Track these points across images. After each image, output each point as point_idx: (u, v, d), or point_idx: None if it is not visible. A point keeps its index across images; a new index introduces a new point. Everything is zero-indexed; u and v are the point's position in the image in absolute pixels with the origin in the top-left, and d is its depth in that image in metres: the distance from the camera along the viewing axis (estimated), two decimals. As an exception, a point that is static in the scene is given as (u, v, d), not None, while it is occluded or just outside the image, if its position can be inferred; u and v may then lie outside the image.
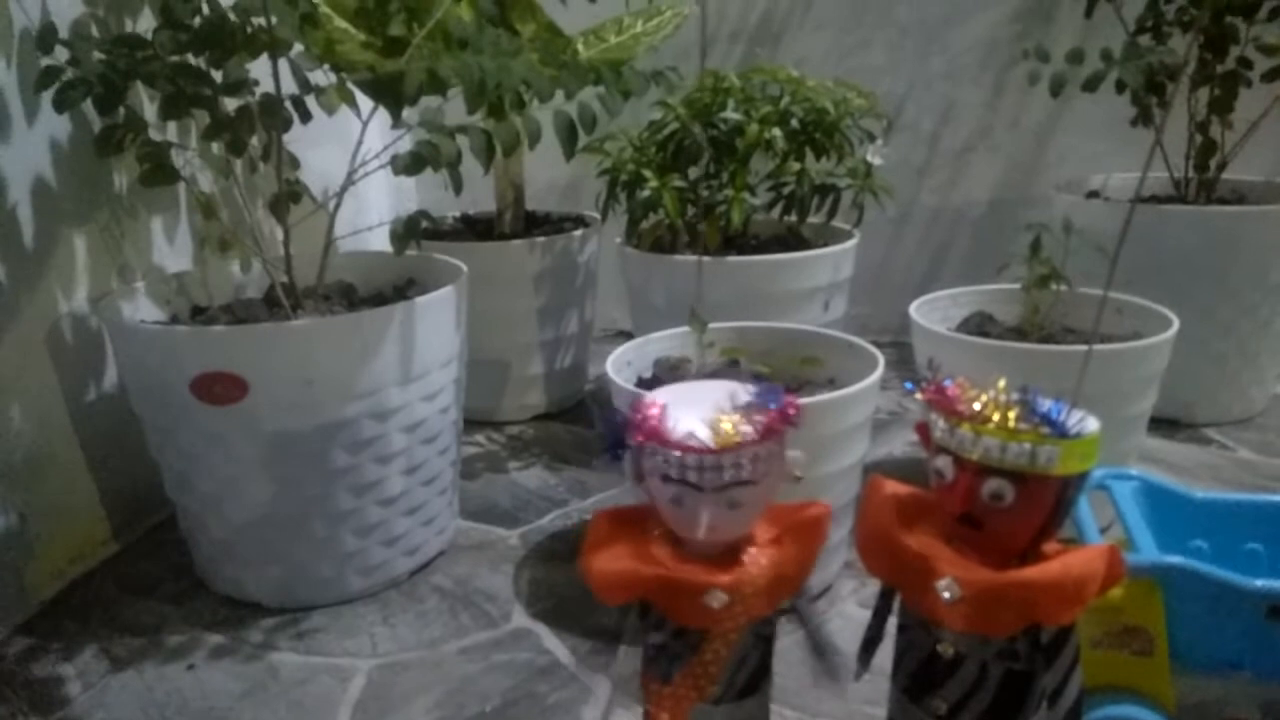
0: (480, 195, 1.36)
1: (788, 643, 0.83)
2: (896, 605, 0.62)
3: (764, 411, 0.55)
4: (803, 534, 0.60)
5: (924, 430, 0.58)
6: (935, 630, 0.56)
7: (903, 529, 0.58)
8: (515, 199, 1.41)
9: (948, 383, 0.57)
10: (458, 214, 1.52)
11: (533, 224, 1.45)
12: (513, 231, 1.39)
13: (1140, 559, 0.64)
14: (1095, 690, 0.64)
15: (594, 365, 1.48)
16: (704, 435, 0.54)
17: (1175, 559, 0.63)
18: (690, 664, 0.59)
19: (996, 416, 0.53)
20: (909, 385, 0.58)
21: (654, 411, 0.56)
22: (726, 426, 0.54)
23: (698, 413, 0.55)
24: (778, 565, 0.58)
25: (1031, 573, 0.53)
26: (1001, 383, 0.54)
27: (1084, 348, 0.95)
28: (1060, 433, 0.51)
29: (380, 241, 1.21)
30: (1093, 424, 0.52)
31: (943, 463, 0.55)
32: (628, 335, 1.68)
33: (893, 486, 0.61)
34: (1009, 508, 0.53)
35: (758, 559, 0.57)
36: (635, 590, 0.59)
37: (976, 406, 0.54)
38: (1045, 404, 0.52)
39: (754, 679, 0.61)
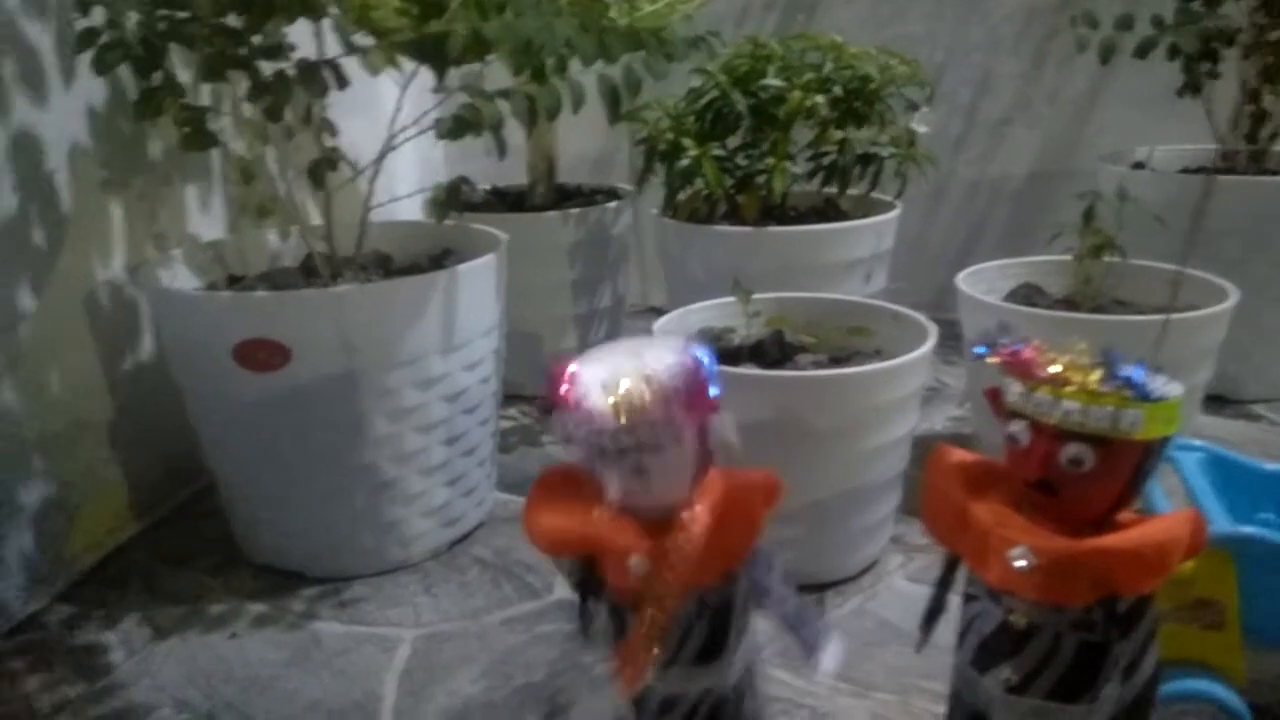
0: (509, 169, 1.34)
1: (837, 615, 0.83)
2: (962, 576, 0.60)
3: (671, 384, 0.54)
4: (743, 501, 0.58)
5: (995, 395, 0.56)
6: (1006, 600, 0.55)
7: (971, 497, 0.57)
8: (547, 171, 1.39)
9: (1018, 346, 0.55)
10: (488, 186, 1.51)
11: (564, 197, 1.43)
12: (545, 204, 1.38)
13: (1212, 530, 0.63)
14: (1164, 663, 0.62)
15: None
16: (601, 399, 0.54)
17: (1250, 529, 0.61)
18: (635, 625, 0.58)
19: (1078, 379, 0.51)
20: (981, 350, 0.56)
21: (566, 374, 0.56)
22: (622, 392, 0.54)
23: (608, 374, 0.54)
24: (712, 534, 0.56)
25: (1111, 540, 0.52)
26: (1081, 345, 0.52)
27: (1138, 318, 0.94)
28: (1144, 396, 0.50)
29: (409, 213, 1.20)
30: (1177, 388, 0.51)
31: (1017, 428, 0.53)
32: (657, 311, 1.66)
33: (959, 454, 0.59)
34: (1088, 473, 0.51)
35: (689, 527, 0.56)
36: (571, 547, 0.60)
37: (1055, 369, 0.52)
38: (1128, 367, 0.51)
39: (709, 647, 0.60)
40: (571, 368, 0.56)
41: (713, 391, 0.56)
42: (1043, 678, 0.55)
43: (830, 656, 0.61)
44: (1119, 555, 0.51)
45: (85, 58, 0.87)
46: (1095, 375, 0.51)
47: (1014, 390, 0.53)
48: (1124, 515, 0.54)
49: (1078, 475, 0.51)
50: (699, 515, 0.56)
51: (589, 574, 0.61)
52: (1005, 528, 0.54)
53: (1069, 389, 0.51)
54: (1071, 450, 0.51)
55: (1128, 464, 0.51)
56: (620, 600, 0.59)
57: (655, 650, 0.58)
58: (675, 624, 0.58)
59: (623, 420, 0.53)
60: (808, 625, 0.61)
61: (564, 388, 0.55)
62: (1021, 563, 0.53)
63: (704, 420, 0.56)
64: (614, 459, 0.54)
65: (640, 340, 0.59)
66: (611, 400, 0.54)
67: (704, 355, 0.56)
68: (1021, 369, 0.53)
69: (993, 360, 0.55)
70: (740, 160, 1.18)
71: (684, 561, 0.56)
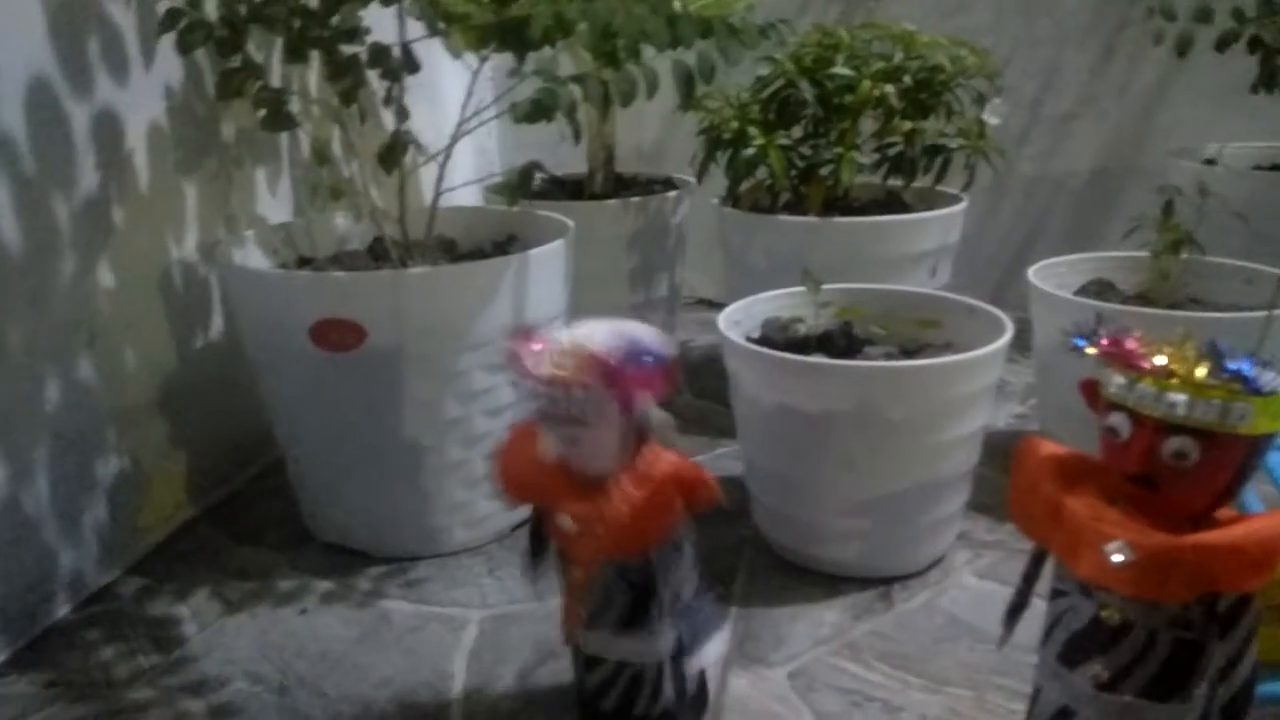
0: (566, 158, 1.34)
1: (905, 609, 0.82)
2: (1046, 571, 0.59)
3: (610, 364, 0.55)
4: (670, 491, 0.60)
5: (1091, 387, 0.55)
6: (1099, 595, 0.54)
7: (1063, 490, 0.56)
8: (606, 160, 1.39)
9: (1119, 337, 0.54)
10: (546, 175, 1.51)
11: (622, 186, 1.43)
12: (603, 193, 1.38)
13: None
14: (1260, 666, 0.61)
15: (679, 331, 1.46)
16: (542, 363, 0.56)
17: (1349, 531, 0.59)
18: (567, 577, 0.63)
19: (1183, 371, 0.50)
20: (1079, 341, 0.55)
21: (535, 331, 0.58)
22: (559, 361, 0.56)
23: (558, 345, 0.57)
24: (633, 512, 0.58)
25: (1213, 536, 0.51)
26: (1187, 339, 0.51)
27: (1225, 315, 0.91)
28: (1254, 390, 0.49)
29: (464, 200, 1.21)
30: (1286, 383, 0.50)
31: (1117, 420, 0.52)
32: (707, 303, 1.66)
33: (1050, 447, 0.58)
34: (1191, 468, 0.50)
35: (614, 501, 0.58)
36: (524, 493, 0.65)
37: (1160, 361, 0.51)
38: (1236, 360, 0.50)
39: (631, 618, 0.62)
40: (550, 329, 0.59)
41: (645, 380, 0.57)
42: (1135, 675, 0.54)
43: (702, 656, 0.65)
44: (1222, 552, 0.50)
45: (166, 39, 0.89)
46: (1202, 368, 0.50)
47: (1115, 382, 0.53)
48: (1223, 512, 0.53)
49: (1180, 469, 0.50)
50: (626, 493, 0.58)
51: (541, 522, 0.66)
52: (1101, 521, 0.53)
53: (1174, 381, 0.50)
54: (1175, 444, 0.50)
55: (1233, 459, 0.50)
56: (560, 551, 0.63)
57: (581, 608, 0.62)
58: (597, 588, 0.61)
59: (554, 388, 0.56)
60: (688, 619, 0.64)
61: (526, 342, 0.58)
62: (1119, 557, 0.52)
63: (632, 405, 0.57)
64: (553, 421, 0.57)
65: (619, 322, 0.59)
66: (546, 367, 0.56)
67: (646, 345, 0.57)
68: (1124, 360, 0.52)
69: (1091, 352, 0.54)
70: (804, 150, 1.17)
71: (604, 531, 0.58)
